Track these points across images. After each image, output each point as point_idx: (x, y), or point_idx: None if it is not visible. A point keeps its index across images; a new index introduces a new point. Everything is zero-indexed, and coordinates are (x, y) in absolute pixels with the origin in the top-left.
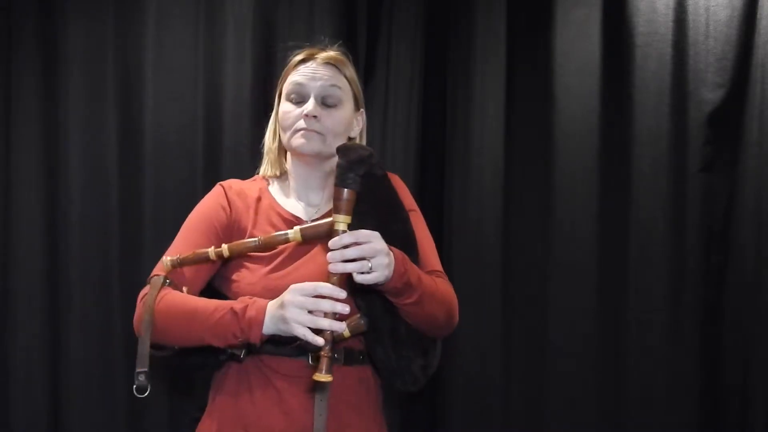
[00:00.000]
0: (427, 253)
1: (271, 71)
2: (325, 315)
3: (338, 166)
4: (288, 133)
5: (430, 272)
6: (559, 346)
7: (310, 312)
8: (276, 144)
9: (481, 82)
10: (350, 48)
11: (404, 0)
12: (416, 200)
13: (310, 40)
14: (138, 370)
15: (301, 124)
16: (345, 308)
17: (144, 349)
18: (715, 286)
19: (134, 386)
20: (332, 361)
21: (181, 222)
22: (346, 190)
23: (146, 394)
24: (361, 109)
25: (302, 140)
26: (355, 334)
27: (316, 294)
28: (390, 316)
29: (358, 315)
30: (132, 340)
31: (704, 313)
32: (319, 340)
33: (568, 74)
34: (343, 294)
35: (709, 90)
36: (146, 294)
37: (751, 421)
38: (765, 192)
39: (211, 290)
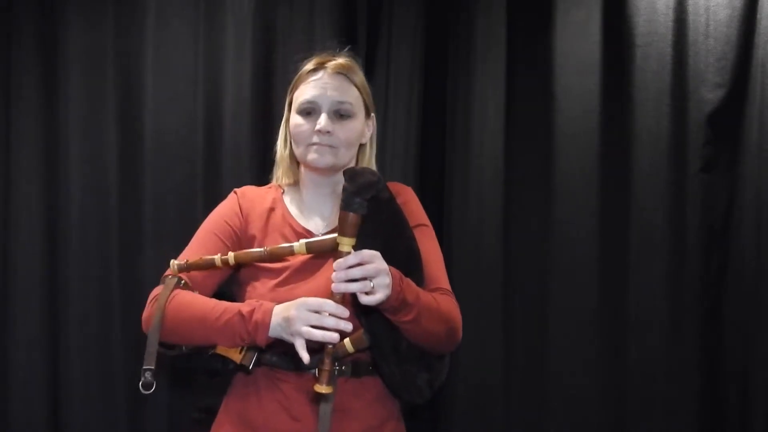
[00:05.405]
0: (434, 269)
1: (271, 71)
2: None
3: (344, 190)
4: (301, 147)
5: (435, 289)
6: (559, 346)
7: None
8: (288, 152)
9: (481, 82)
10: (350, 48)
11: (404, 0)
12: None
13: (310, 40)
14: (145, 367)
15: (314, 138)
16: (348, 326)
17: (152, 346)
18: (715, 286)
19: (140, 383)
20: (333, 374)
21: (180, 222)
22: (351, 213)
23: (151, 391)
24: (372, 114)
25: (315, 155)
26: (358, 349)
27: (321, 309)
28: (391, 332)
29: (362, 331)
30: (132, 339)
31: (704, 313)
32: (306, 357)
33: (568, 74)
34: (346, 313)
35: (709, 90)
36: (159, 293)
37: (751, 421)
38: (765, 192)
39: (220, 295)
